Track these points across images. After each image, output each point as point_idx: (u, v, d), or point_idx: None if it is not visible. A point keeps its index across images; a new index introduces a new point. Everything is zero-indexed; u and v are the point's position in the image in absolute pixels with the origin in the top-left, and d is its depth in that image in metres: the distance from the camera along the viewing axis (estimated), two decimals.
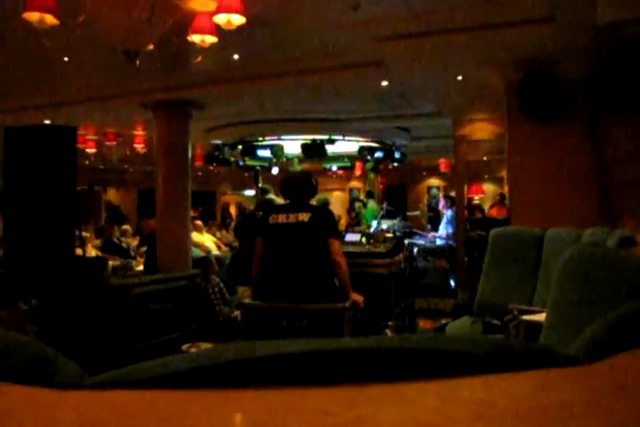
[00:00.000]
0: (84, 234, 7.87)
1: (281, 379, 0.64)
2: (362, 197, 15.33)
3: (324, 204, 8.01)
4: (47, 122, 7.72)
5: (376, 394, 0.62)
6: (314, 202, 4.51)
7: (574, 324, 1.84)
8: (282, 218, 3.99)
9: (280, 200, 6.92)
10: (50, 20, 3.48)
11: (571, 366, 0.72)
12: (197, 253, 7.93)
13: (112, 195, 18.21)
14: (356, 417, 0.54)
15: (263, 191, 7.83)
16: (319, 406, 0.59)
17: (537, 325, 2.51)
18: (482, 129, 7.74)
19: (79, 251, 5.40)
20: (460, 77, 6.20)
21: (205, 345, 5.20)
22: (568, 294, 2.09)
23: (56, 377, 0.67)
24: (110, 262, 6.54)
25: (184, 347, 5.17)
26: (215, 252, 9.11)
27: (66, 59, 5.44)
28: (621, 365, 0.73)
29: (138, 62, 3.93)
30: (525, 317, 2.87)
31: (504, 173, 7.84)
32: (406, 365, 0.67)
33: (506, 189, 7.01)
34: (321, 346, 0.66)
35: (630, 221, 4.05)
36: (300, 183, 4.20)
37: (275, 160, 11.22)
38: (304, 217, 3.92)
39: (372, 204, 11.28)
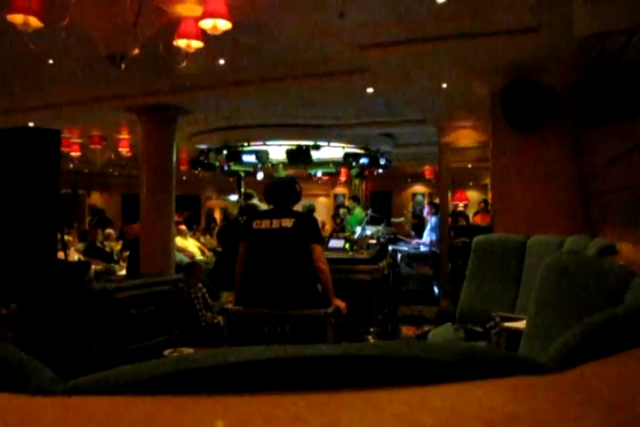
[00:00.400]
0: (66, 238, 7.82)
1: (255, 385, 0.65)
2: (347, 203, 15.35)
3: (309, 210, 8.03)
4: (31, 124, 7.66)
5: (348, 401, 0.62)
6: (299, 208, 4.52)
7: (553, 331, 1.85)
8: (265, 224, 3.99)
9: (264, 206, 6.93)
10: (34, 22, 3.46)
11: (543, 374, 0.72)
12: (181, 257, 7.90)
13: (96, 199, 18.11)
14: (326, 424, 0.55)
15: (247, 196, 7.83)
16: (292, 413, 0.59)
17: (518, 332, 2.53)
18: (466, 136, 7.79)
19: (61, 255, 5.35)
20: (444, 85, 6.24)
21: (188, 350, 5.17)
22: (548, 302, 2.12)
23: (29, 383, 0.66)
24: (93, 267, 6.49)
25: (166, 352, 5.14)
26: (199, 257, 9.09)
27: (50, 61, 5.41)
28: (592, 373, 0.74)
29: (123, 66, 3.92)
30: (507, 324, 2.89)
31: (488, 181, 7.91)
32: (379, 372, 0.67)
33: (490, 196, 7.07)
34: (294, 353, 0.67)
35: (611, 230, 4.09)
36: (284, 189, 4.20)
37: (260, 165, 11.21)
38: (287, 223, 3.92)
39: (357, 210, 11.30)
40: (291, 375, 0.66)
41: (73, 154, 10.73)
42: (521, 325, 2.64)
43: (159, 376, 0.65)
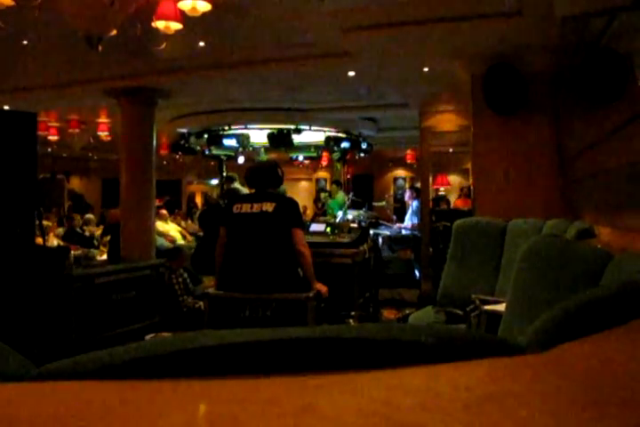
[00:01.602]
0: (45, 223, 7.74)
1: (229, 368, 0.64)
2: (329, 187, 15.36)
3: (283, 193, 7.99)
4: (6, 107, 7.52)
5: (325, 383, 0.62)
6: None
7: (531, 313, 1.87)
8: (246, 207, 3.97)
9: (245, 190, 6.89)
10: (5, 0, 3.37)
11: (520, 355, 0.73)
12: (162, 242, 7.86)
13: (75, 183, 17.91)
14: (301, 407, 0.54)
15: (229, 179, 7.79)
16: (266, 396, 0.58)
17: (498, 314, 2.55)
18: (448, 121, 7.79)
19: (39, 240, 5.29)
20: (426, 69, 6.23)
21: (169, 335, 5.16)
22: (526, 284, 2.14)
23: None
24: (72, 252, 6.43)
25: (147, 337, 5.12)
26: (180, 241, 9.05)
27: (25, 42, 5.29)
28: (569, 353, 0.74)
29: (100, 48, 3.85)
30: (487, 307, 2.91)
31: (469, 165, 7.94)
32: (356, 354, 0.67)
33: (471, 180, 7.10)
34: (269, 336, 0.66)
35: (589, 214, 4.13)
36: (265, 173, 4.19)
37: (241, 149, 11.15)
38: (268, 207, 3.91)
39: (339, 194, 11.31)
40: (266, 358, 0.65)
41: (51, 138, 10.56)
42: (501, 307, 2.66)
43: (132, 360, 0.64)
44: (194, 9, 3.78)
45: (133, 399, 0.58)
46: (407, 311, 5.91)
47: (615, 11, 2.89)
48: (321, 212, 12.34)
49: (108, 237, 7.87)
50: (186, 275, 6.25)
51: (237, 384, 0.61)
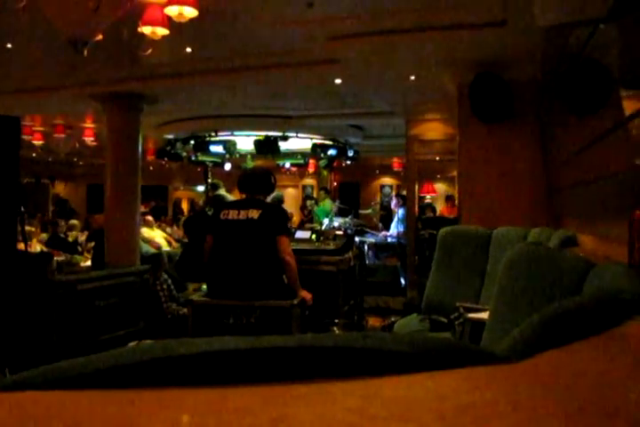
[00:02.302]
0: (29, 228, 7.66)
1: (205, 377, 0.63)
2: (316, 194, 15.37)
3: (278, 201, 7.99)
4: None
5: (300, 393, 0.61)
6: (268, 199, 4.50)
7: (513, 321, 1.87)
8: (232, 214, 3.96)
9: (231, 196, 6.87)
10: None
11: (498, 364, 0.72)
12: (147, 248, 7.80)
13: (60, 188, 17.77)
14: (275, 417, 0.53)
15: (213, 187, 7.76)
16: (239, 406, 0.57)
17: (482, 322, 2.55)
18: (434, 129, 7.84)
19: (22, 246, 5.23)
20: (413, 77, 6.26)
21: (150, 343, 5.12)
22: (509, 292, 2.14)
23: None
24: (55, 258, 6.37)
25: (130, 344, 5.08)
26: (165, 248, 8.99)
27: (9, 45, 5.25)
28: (547, 362, 0.74)
29: (86, 52, 3.83)
30: (471, 315, 2.91)
31: (455, 173, 7.97)
32: (333, 363, 0.66)
33: (457, 188, 7.13)
34: (245, 344, 0.65)
35: (573, 222, 4.16)
36: (259, 180, 4.21)
37: (227, 156, 11.13)
38: (254, 214, 3.91)
39: (326, 201, 11.31)
40: (242, 367, 0.64)
41: (35, 142, 10.49)
42: (485, 315, 2.66)
43: (104, 369, 0.63)
44: (180, 15, 3.77)
45: (105, 409, 0.57)
46: (392, 319, 5.90)
47: (592, 22, 2.92)
48: (307, 219, 12.34)
49: (93, 244, 7.81)
50: (170, 281, 6.21)
51: (212, 393, 0.60)
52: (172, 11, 3.75)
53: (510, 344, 0.81)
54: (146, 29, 3.93)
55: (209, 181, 11.96)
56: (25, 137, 9.02)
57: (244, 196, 4.27)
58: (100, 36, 3.75)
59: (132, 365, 0.63)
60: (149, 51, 4.23)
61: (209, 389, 0.61)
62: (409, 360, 0.68)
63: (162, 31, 3.96)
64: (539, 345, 0.77)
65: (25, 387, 0.62)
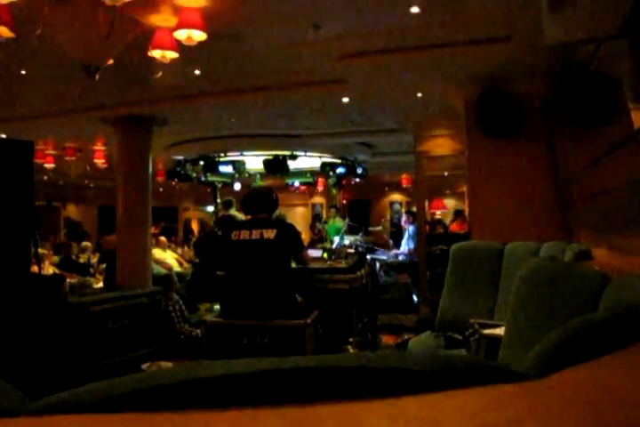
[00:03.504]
0: (42, 251, 7.70)
1: (228, 400, 0.63)
2: (324, 212, 15.40)
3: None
4: (3, 136, 7.55)
5: (325, 414, 0.61)
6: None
7: (531, 337, 1.86)
8: (244, 234, 3.97)
9: (241, 216, 6.89)
10: (5, 32, 3.41)
11: (520, 382, 0.72)
12: (159, 269, 7.82)
13: (72, 211, 17.88)
14: None
15: (227, 204, 7.78)
16: None
17: (497, 338, 2.53)
18: (442, 145, 7.84)
19: (35, 268, 5.26)
20: (420, 94, 6.29)
21: (166, 364, 5.11)
22: (525, 308, 2.13)
23: None
24: (68, 280, 6.39)
25: (144, 366, 5.07)
26: (177, 268, 9.01)
27: (23, 72, 5.34)
28: (570, 379, 0.73)
29: (97, 77, 3.89)
30: (486, 331, 2.89)
31: (465, 189, 7.96)
32: (356, 383, 0.66)
33: (466, 204, 7.12)
34: (267, 366, 0.65)
35: (586, 235, 4.14)
36: (260, 198, 4.21)
37: (237, 176, 11.18)
38: (270, 234, 3.91)
39: (337, 219, 11.33)
40: (265, 389, 0.65)
41: (47, 166, 10.59)
42: (500, 331, 2.64)
43: (129, 393, 0.63)
44: (189, 38, 3.82)
45: None
46: (406, 337, 5.86)
47: (603, 40, 2.94)
48: (317, 237, 12.34)
49: (105, 265, 7.83)
50: (181, 302, 6.22)
51: (236, 416, 0.61)
52: (181, 34, 3.81)
53: (531, 361, 0.81)
54: (156, 53, 3.98)
55: (218, 201, 12.02)
56: (37, 161, 9.10)
57: (249, 217, 4.28)
58: (111, 61, 3.80)
59: (156, 388, 0.63)
60: (159, 74, 4.28)
61: (234, 411, 0.61)
62: (430, 379, 0.68)
63: (171, 55, 4.01)
64: (560, 362, 0.77)
65: (51, 411, 0.62)
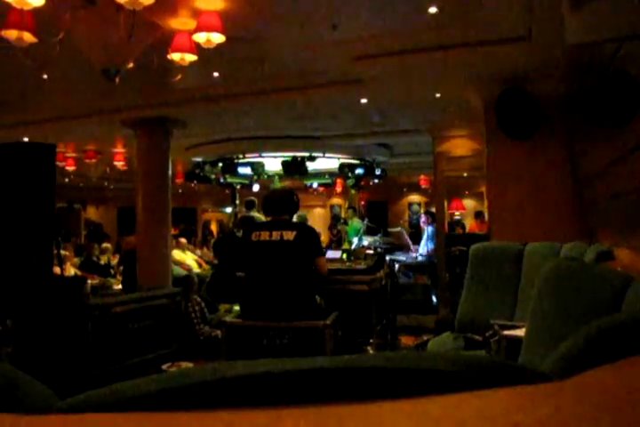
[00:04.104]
0: (63, 252, 7.80)
1: (252, 400, 0.64)
2: (343, 213, 15.38)
3: (305, 221, 8.03)
4: (26, 139, 7.66)
5: (348, 414, 0.62)
6: (294, 218, 4.53)
7: (552, 338, 1.85)
8: (265, 235, 3.98)
9: (262, 217, 6.91)
10: (28, 37, 3.47)
11: (544, 383, 0.72)
12: (178, 271, 7.88)
13: (92, 213, 18.08)
14: None
15: (250, 204, 7.80)
16: None
17: (518, 340, 2.52)
18: (461, 145, 7.81)
19: (57, 269, 5.33)
20: (438, 95, 6.27)
21: (186, 364, 5.15)
22: (546, 309, 2.11)
23: (25, 401, 0.65)
24: (89, 281, 6.47)
25: (164, 366, 5.11)
26: (196, 269, 9.06)
27: (45, 76, 5.42)
28: (594, 380, 0.73)
29: (117, 81, 3.93)
30: (506, 332, 2.87)
31: (484, 189, 7.91)
32: (379, 383, 0.67)
33: (486, 204, 7.08)
34: (291, 366, 0.66)
35: (607, 236, 4.09)
36: (282, 200, 4.22)
37: (255, 177, 11.22)
38: (289, 236, 3.92)
39: (355, 219, 11.32)
40: (288, 389, 0.65)
41: (68, 168, 10.73)
42: (520, 332, 2.63)
43: (155, 392, 0.64)
44: (208, 41, 3.85)
45: None
46: (425, 338, 5.84)
47: (628, 39, 2.91)
48: (336, 238, 12.33)
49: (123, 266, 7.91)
50: (203, 304, 6.25)
51: (261, 415, 0.61)
52: (200, 37, 3.83)
53: (555, 362, 0.80)
54: (175, 56, 4.01)
55: (237, 202, 12.06)
56: (58, 163, 9.22)
57: (269, 218, 4.30)
58: (131, 64, 3.84)
59: (182, 387, 0.64)
60: (179, 77, 4.32)
61: (260, 410, 0.61)
62: (454, 379, 0.68)
63: (190, 57, 4.04)
64: (585, 362, 0.76)
65: (80, 409, 0.64)
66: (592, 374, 0.73)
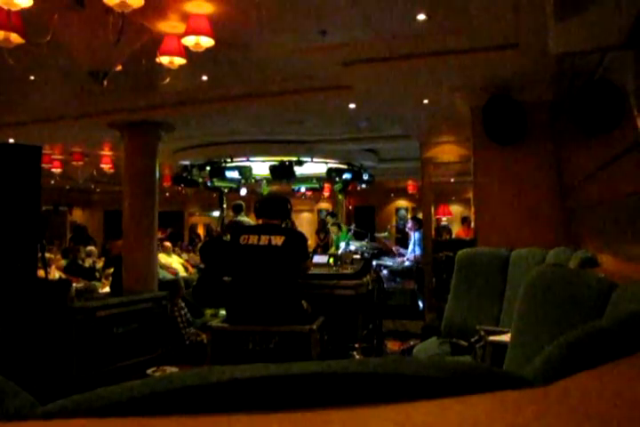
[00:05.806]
0: (48, 255, 7.73)
1: (238, 405, 0.64)
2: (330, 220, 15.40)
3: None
4: (11, 141, 7.60)
5: (332, 419, 0.62)
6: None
7: (537, 344, 1.86)
8: (253, 239, 3.98)
9: (250, 221, 6.90)
10: (15, 38, 3.44)
11: (527, 388, 0.72)
12: (164, 274, 7.84)
13: (78, 215, 17.96)
14: None
15: (236, 209, 7.78)
16: None
17: (503, 345, 2.53)
18: (448, 151, 7.85)
19: (42, 273, 5.28)
20: (426, 101, 6.30)
21: (171, 369, 5.12)
22: (531, 315, 2.12)
23: (3, 407, 0.64)
24: (74, 285, 6.41)
25: (149, 371, 5.08)
26: (182, 273, 9.02)
27: (32, 77, 5.38)
28: (576, 386, 0.74)
29: (105, 83, 3.91)
30: (492, 337, 2.89)
31: (471, 195, 7.96)
32: (363, 389, 0.67)
33: (472, 210, 7.12)
34: (276, 371, 0.66)
35: (591, 242, 4.13)
36: (277, 206, 4.24)
37: (243, 181, 11.21)
38: (277, 241, 3.93)
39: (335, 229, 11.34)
40: (274, 394, 0.65)
41: (54, 170, 10.65)
42: (505, 338, 2.64)
43: (138, 398, 0.63)
44: (197, 44, 3.85)
45: None
46: (411, 343, 5.85)
47: (608, 50, 2.95)
48: (323, 243, 12.32)
49: (111, 270, 7.85)
50: (186, 309, 6.22)
51: (244, 420, 0.61)
52: (189, 41, 3.83)
53: (538, 368, 0.81)
54: (164, 59, 4.00)
55: (224, 206, 12.03)
56: (44, 165, 9.15)
57: (260, 221, 4.30)
58: (119, 67, 3.83)
59: (165, 392, 0.64)
60: (167, 80, 4.31)
61: (245, 416, 0.61)
62: (437, 385, 0.68)
63: (179, 61, 4.04)
64: (567, 368, 0.77)
65: (61, 415, 0.63)
66: (574, 380, 0.74)
